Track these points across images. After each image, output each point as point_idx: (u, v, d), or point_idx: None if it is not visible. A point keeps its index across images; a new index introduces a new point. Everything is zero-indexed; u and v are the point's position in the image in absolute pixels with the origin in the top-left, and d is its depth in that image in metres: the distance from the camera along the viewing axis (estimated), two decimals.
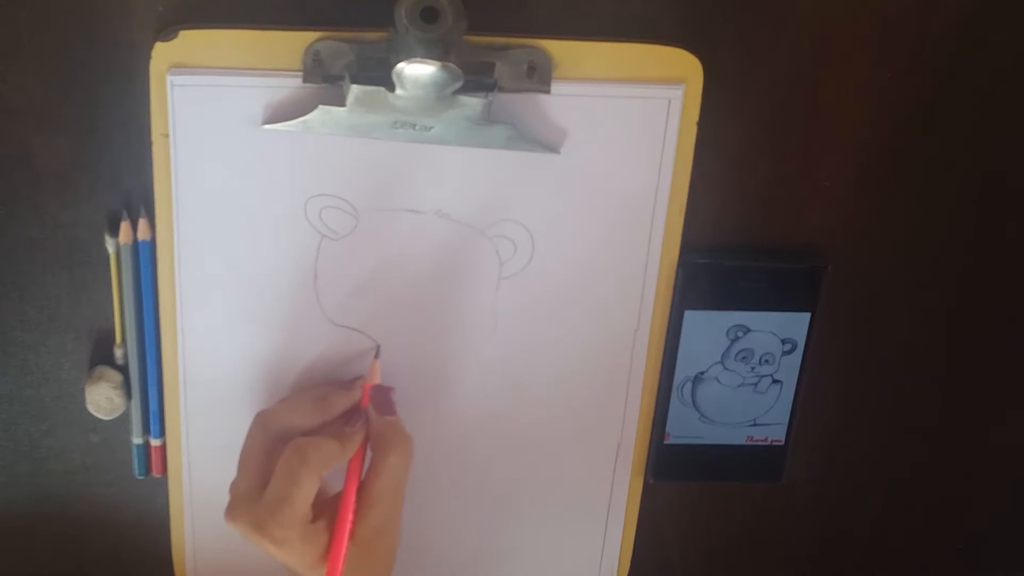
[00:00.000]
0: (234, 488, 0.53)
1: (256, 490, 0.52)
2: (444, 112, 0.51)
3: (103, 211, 0.55)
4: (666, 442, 0.62)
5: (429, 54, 0.47)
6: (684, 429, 0.62)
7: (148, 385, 0.58)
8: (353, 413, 0.55)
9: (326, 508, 0.52)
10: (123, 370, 0.58)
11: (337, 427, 0.54)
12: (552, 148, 0.54)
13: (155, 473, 0.61)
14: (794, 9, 0.53)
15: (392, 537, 0.54)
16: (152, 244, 0.55)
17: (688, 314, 0.59)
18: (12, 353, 0.58)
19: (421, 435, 0.61)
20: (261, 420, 0.54)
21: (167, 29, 0.50)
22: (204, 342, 0.57)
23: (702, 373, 0.61)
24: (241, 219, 0.54)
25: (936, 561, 0.71)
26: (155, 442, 0.60)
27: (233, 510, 0.52)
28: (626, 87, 0.53)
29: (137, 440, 0.60)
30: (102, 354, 0.58)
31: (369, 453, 0.54)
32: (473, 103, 0.51)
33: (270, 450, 0.53)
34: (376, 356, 0.57)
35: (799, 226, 0.59)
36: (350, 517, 0.52)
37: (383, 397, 0.55)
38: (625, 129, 0.54)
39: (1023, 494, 0.69)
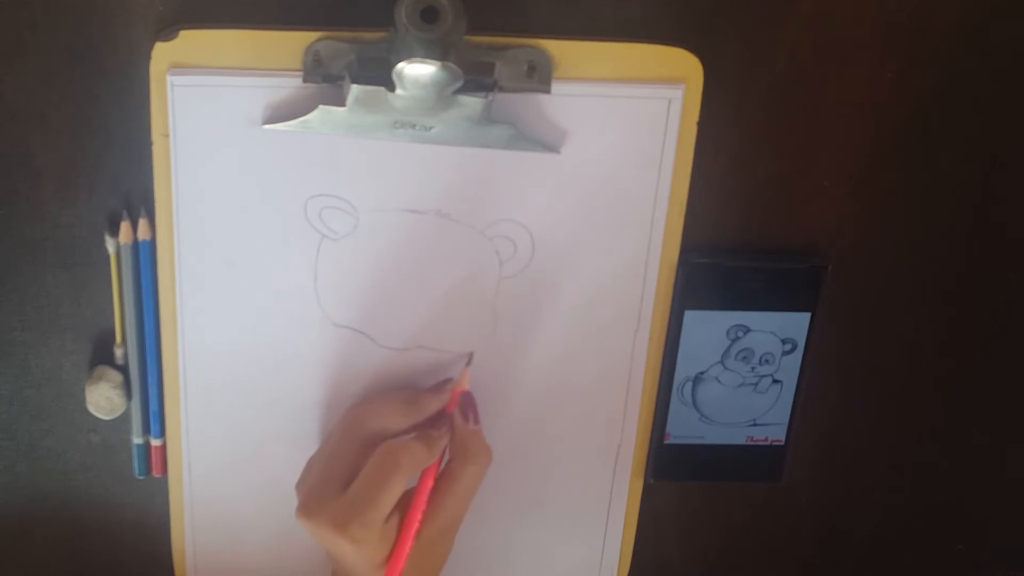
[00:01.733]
0: (308, 486, 0.53)
1: (336, 489, 0.52)
2: (444, 112, 0.51)
3: (103, 211, 0.55)
4: (666, 442, 0.62)
5: (429, 54, 0.47)
6: (684, 429, 0.62)
7: (148, 385, 0.58)
8: (439, 417, 0.56)
9: (396, 507, 0.52)
10: (123, 370, 0.58)
11: (423, 430, 0.55)
12: (552, 148, 0.54)
13: (155, 473, 0.61)
14: (794, 9, 0.53)
15: (451, 541, 0.55)
16: (152, 244, 0.55)
17: (688, 314, 0.59)
18: (12, 353, 0.58)
19: None
20: (353, 419, 0.55)
21: (167, 29, 0.50)
22: (204, 342, 0.57)
23: (702, 373, 0.61)
24: (241, 219, 0.54)
25: (936, 562, 0.71)
26: (155, 442, 0.60)
27: (309, 507, 0.51)
28: (626, 87, 0.53)
29: (137, 440, 0.60)
30: (102, 354, 0.58)
31: (446, 456, 0.55)
32: (473, 103, 0.51)
33: (358, 450, 0.53)
34: (468, 364, 0.58)
35: (799, 226, 0.59)
36: (419, 517, 0.53)
37: (470, 404, 0.56)
38: (625, 129, 0.54)
39: (1023, 495, 0.69)
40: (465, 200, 0.55)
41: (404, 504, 0.53)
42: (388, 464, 0.51)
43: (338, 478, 0.52)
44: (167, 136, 0.52)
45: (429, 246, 0.56)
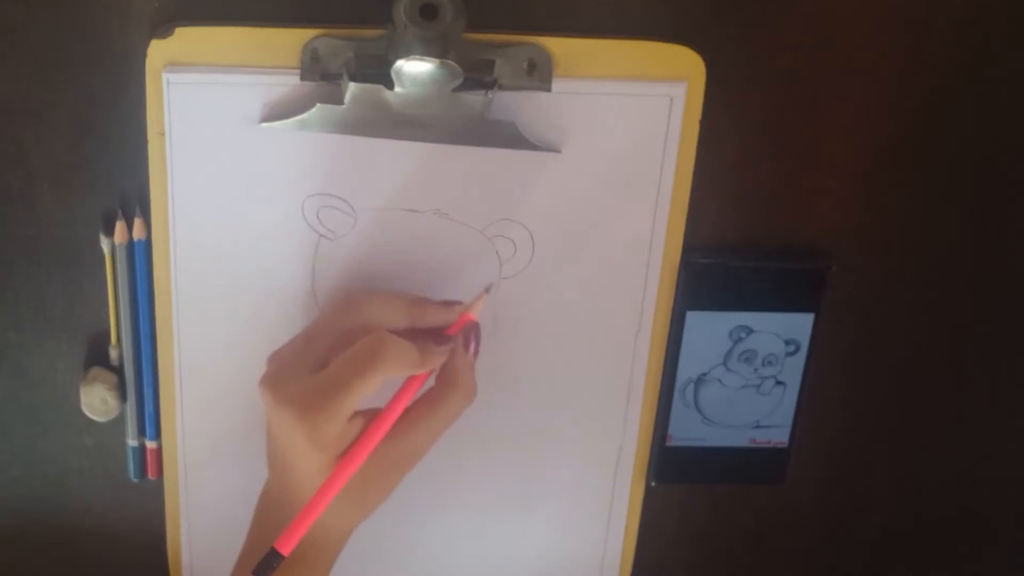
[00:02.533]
0: (279, 358, 0.50)
1: (306, 367, 0.48)
2: (443, 110, 0.51)
3: (98, 210, 0.54)
4: (668, 444, 0.62)
5: (428, 51, 0.47)
6: (686, 431, 0.62)
7: (143, 387, 0.58)
8: (439, 336, 0.51)
9: (362, 414, 0.49)
10: (118, 371, 0.58)
11: (421, 341, 0.50)
12: (552, 147, 0.53)
13: (151, 475, 0.60)
14: (797, 7, 0.53)
15: (398, 479, 0.51)
16: (148, 243, 0.55)
17: (690, 315, 0.58)
18: (6, 354, 0.57)
19: None
20: (349, 301, 0.51)
21: (163, 26, 0.50)
22: (200, 343, 0.57)
23: (704, 374, 0.60)
24: (238, 218, 0.54)
25: (940, 564, 0.71)
26: (151, 444, 0.59)
27: (275, 381, 0.48)
28: (628, 85, 0.53)
29: (132, 442, 0.59)
30: (97, 355, 0.58)
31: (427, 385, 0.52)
32: (473, 101, 0.50)
33: (343, 334, 0.49)
34: (487, 291, 0.53)
35: (802, 226, 0.59)
36: (386, 429, 0.49)
37: (475, 333, 0.52)
38: (627, 127, 0.53)
39: None
40: (465, 200, 0.55)
41: (371, 416, 0.49)
42: (374, 351, 0.47)
43: (314, 357, 0.49)
44: (163, 134, 0.52)
45: (428, 246, 0.55)
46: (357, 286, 0.54)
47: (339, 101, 0.51)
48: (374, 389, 0.47)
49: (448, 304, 0.52)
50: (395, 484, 0.52)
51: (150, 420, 0.59)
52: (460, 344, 0.51)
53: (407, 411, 0.50)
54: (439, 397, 0.51)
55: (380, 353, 0.47)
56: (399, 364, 0.48)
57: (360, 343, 0.48)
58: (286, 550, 0.46)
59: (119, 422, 0.59)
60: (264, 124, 0.51)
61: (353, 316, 0.51)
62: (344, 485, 0.48)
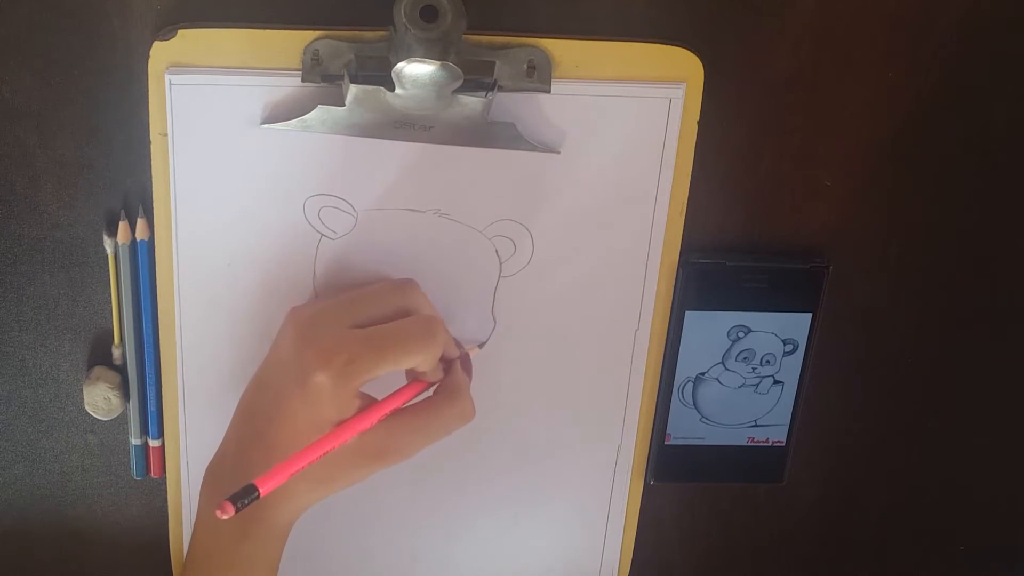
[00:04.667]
0: (321, 305, 0.51)
1: (345, 322, 0.49)
2: (444, 111, 0.51)
3: (101, 211, 0.54)
4: (667, 443, 0.62)
5: (428, 53, 0.47)
6: (685, 430, 0.62)
7: (146, 386, 0.58)
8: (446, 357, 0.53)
9: (361, 399, 0.50)
10: (121, 370, 0.58)
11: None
12: (552, 148, 0.53)
13: (153, 474, 0.60)
14: (795, 8, 0.53)
15: (377, 466, 0.51)
16: (150, 244, 0.55)
17: (689, 314, 0.58)
18: (9, 353, 0.58)
19: None
20: (404, 286, 0.53)
21: (165, 28, 0.50)
22: (203, 342, 0.57)
23: (703, 374, 0.60)
24: (240, 219, 0.54)
25: (938, 562, 0.71)
26: (153, 443, 0.60)
27: (305, 323, 0.49)
28: (627, 86, 0.53)
29: (135, 441, 0.60)
30: (100, 355, 0.58)
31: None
32: (473, 102, 0.51)
33: (393, 310, 0.51)
34: (480, 346, 0.58)
35: (800, 226, 0.59)
36: (368, 424, 0.49)
37: (469, 366, 0.55)
38: (626, 128, 0.54)
39: None
40: (465, 200, 0.55)
41: (369, 402, 0.50)
42: (426, 328, 0.49)
43: (355, 318, 0.50)
44: (165, 135, 0.52)
45: (428, 246, 0.56)
46: (411, 284, 0.55)
47: (340, 103, 0.51)
48: (404, 366, 0.49)
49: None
50: (363, 477, 0.51)
51: (153, 419, 0.59)
52: (464, 365, 0.54)
53: (404, 411, 0.51)
54: (437, 407, 0.52)
55: (430, 333, 0.49)
56: (437, 350, 0.50)
57: (413, 319, 0.50)
58: (264, 490, 0.45)
59: (122, 421, 0.59)
60: (265, 125, 0.52)
61: (408, 299, 0.52)
62: (326, 454, 0.48)
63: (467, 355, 0.55)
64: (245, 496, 0.45)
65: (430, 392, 0.53)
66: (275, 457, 0.48)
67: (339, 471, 0.50)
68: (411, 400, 0.52)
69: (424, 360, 0.50)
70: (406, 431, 0.51)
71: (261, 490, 0.45)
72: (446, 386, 0.53)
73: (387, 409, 0.50)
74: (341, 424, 0.49)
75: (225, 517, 0.43)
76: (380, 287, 0.53)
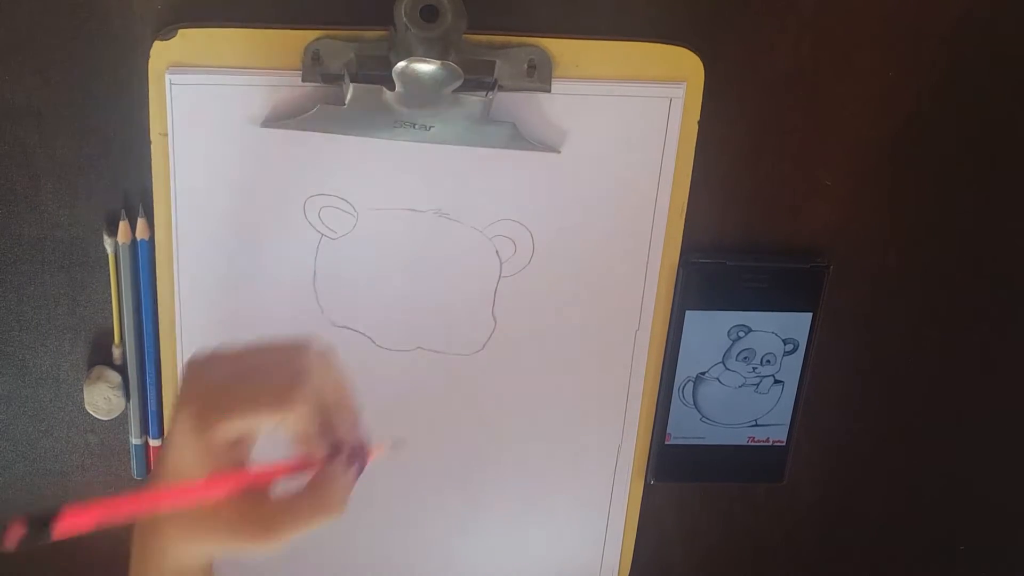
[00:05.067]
0: (213, 354, 0.46)
1: (228, 367, 0.45)
2: (444, 111, 0.51)
3: (101, 210, 0.54)
4: (667, 443, 0.62)
5: (429, 53, 0.47)
6: (685, 430, 0.62)
7: (147, 385, 0.58)
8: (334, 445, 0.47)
9: (245, 454, 0.45)
10: (122, 370, 0.58)
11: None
12: (552, 147, 0.53)
13: None
14: (795, 9, 0.53)
15: (237, 543, 0.46)
16: (151, 243, 0.55)
17: (689, 314, 0.58)
18: (10, 353, 0.58)
19: (421, 436, 0.60)
20: (300, 348, 0.46)
21: (166, 28, 0.50)
22: (203, 342, 0.57)
23: (703, 373, 0.60)
24: (240, 218, 0.54)
25: (937, 562, 0.71)
26: (154, 443, 0.60)
27: (208, 361, 0.45)
28: (627, 86, 0.53)
29: (136, 440, 0.60)
30: (100, 354, 0.58)
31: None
32: (473, 102, 0.51)
33: (275, 365, 0.45)
34: (392, 447, 0.48)
35: (800, 225, 0.59)
36: (251, 477, 0.45)
37: (361, 458, 0.47)
38: (626, 128, 0.54)
39: None
40: (465, 200, 0.55)
41: (251, 464, 0.45)
42: (285, 389, 0.43)
43: (235, 366, 0.45)
44: (166, 135, 0.52)
45: (429, 246, 0.56)
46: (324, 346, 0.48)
47: (340, 102, 0.51)
48: (265, 420, 0.44)
49: (357, 423, 0.48)
50: (232, 548, 0.46)
51: (153, 418, 0.59)
52: (344, 457, 0.46)
53: (270, 493, 0.46)
54: (303, 499, 0.46)
55: (294, 394, 0.44)
56: (299, 415, 0.44)
57: (286, 376, 0.44)
58: (59, 527, 0.43)
59: (122, 420, 0.59)
60: (266, 125, 0.52)
61: (295, 360, 0.46)
62: (194, 505, 0.44)
63: (362, 446, 0.47)
64: (39, 525, 0.42)
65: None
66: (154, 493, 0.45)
67: (205, 532, 0.46)
68: (292, 475, 0.46)
69: (283, 421, 0.44)
70: (273, 508, 0.45)
71: (55, 528, 0.42)
72: (319, 473, 0.46)
73: (262, 476, 0.45)
74: (212, 476, 0.44)
75: (10, 542, 0.41)
76: (275, 344, 0.47)
